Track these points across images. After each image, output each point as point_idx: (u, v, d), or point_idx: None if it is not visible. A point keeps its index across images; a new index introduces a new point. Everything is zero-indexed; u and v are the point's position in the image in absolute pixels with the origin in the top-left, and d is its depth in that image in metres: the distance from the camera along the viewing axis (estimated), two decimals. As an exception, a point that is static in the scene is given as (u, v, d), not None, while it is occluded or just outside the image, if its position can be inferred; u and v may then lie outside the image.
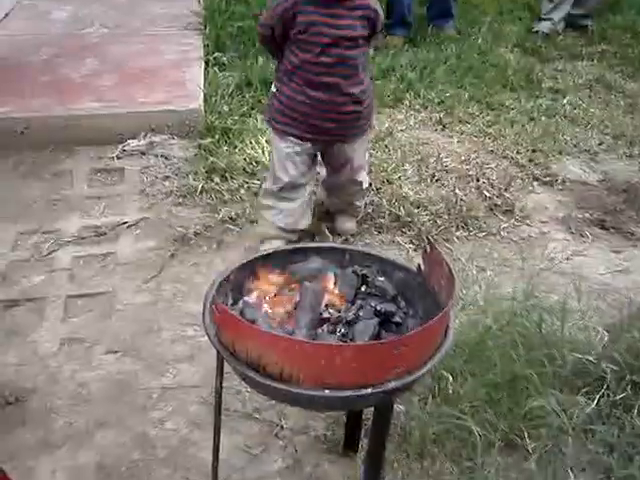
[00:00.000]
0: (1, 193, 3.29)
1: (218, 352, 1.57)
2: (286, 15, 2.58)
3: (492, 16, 5.63)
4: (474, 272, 2.83)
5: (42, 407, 2.21)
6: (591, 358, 2.29)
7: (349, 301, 1.67)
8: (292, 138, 2.73)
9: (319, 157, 2.90)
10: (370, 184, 3.14)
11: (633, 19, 5.79)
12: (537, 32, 5.41)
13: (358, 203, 3.04)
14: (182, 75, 4.09)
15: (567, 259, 3.01)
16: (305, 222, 2.90)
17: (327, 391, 1.43)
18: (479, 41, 5.07)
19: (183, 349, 2.45)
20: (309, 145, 2.75)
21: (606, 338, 2.45)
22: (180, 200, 3.24)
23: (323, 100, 2.66)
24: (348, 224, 3.06)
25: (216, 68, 4.30)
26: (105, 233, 3.03)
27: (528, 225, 3.21)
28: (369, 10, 2.63)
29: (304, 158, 2.78)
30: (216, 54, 4.43)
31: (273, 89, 2.79)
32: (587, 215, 3.33)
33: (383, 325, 1.62)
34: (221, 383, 1.68)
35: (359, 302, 1.65)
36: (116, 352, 2.43)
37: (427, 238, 1.97)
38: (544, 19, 5.47)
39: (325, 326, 1.59)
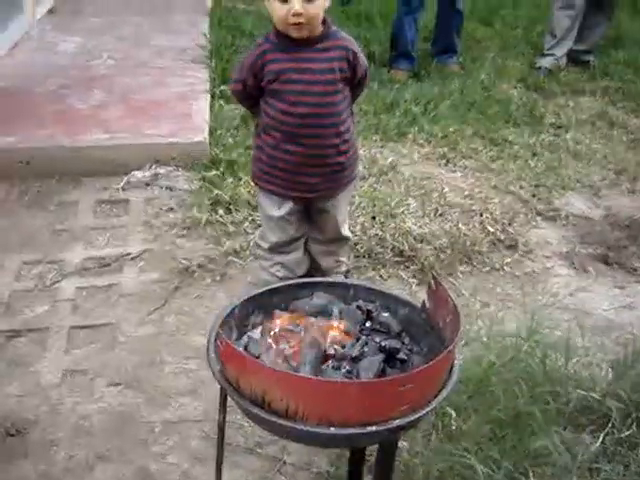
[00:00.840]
0: (6, 223, 3.30)
1: (222, 387, 1.56)
2: (255, 65, 2.41)
3: (495, 52, 5.68)
4: (477, 307, 2.83)
5: (43, 439, 2.20)
6: (596, 395, 2.28)
7: (354, 337, 1.67)
8: (275, 197, 2.55)
9: None
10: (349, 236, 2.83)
11: (635, 55, 5.84)
12: (540, 68, 5.45)
13: (343, 259, 2.79)
14: (188, 108, 4.12)
15: (571, 295, 3.01)
16: (303, 268, 2.73)
17: (332, 428, 1.43)
18: (482, 76, 5.11)
19: (185, 382, 2.44)
20: (292, 204, 2.55)
21: (611, 375, 2.44)
22: (184, 232, 3.25)
23: (303, 154, 2.46)
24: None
25: (222, 101, 4.34)
26: (109, 264, 3.04)
27: (531, 260, 3.22)
28: (345, 51, 2.42)
29: (292, 218, 2.59)
30: (222, 87, 4.47)
31: (253, 146, 2.64)
32: (590, 250, 3.33)
33: (388, 362, 1.61)
34: (224, 418, 1.68)
35: (364, 338, 1.65)
36: (118, 384, 2.42)
37: (432, 274, 1.96)
38: (547, 55, 5.52)
39: (330, 362, 1.58)
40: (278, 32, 2.38)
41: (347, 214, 2.77)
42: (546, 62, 5.47)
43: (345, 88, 2.47)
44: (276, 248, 2.64)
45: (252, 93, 2.49)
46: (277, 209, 2.56)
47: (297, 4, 2.25)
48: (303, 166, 2.48)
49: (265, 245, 2.66)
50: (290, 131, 2.44)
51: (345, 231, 2.72)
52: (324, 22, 2.39)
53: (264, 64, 2.39)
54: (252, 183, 2.79)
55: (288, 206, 2.55)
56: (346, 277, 2.19)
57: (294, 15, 2.26)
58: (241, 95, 2.55)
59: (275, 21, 2.34)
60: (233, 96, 2.70)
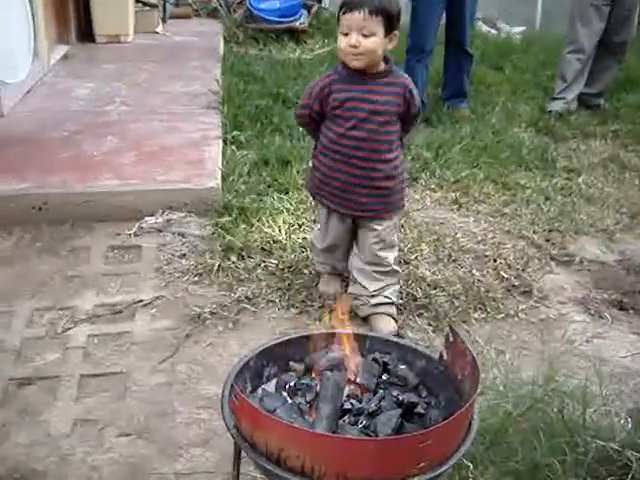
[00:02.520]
0: (18, 268, 3.30)
1: (236, 443, 1.54)
2: (323, 92, 2.74)
3: (506, 96, 5.71)
4: (493, 355, 2.79)
5: (53, 492, 2.17)
6: (615, 446, 2.23)
7: (370, 391, 1.64)
8: (324, 210, 2.93)
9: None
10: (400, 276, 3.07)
11: (646, 98, 5.86)
12: (550, 112, 5.47)
13: (393, 297, 2.94)
14: (201, 153, 4.14)
15: (587, 341, 2.97)
16: (343, 266, 3.09)
17: (349, 486, 1.40)
18: (493, 121, 5.13)
19: (197, 433, 2.40)
20: (337, 217, 2.91)
21: (630, 424, 2.39)
22: (196, 279, 3.23)
23: (356, 175, 2.78)
24: (382, 325, 2.91)
25: (234, 147, 4.36)
26: (121, 311, 3.02)
27: (546, 306, 3.18)
28: (404, 88, 2.74)
29: (334, 228, 2.95)
30: (234, 133, 4.50)
31: (310, 164, 2.97)
32: (605, 296, 3.30)
33: (405, 416, 1.58)
34: (238, 473, 1.65)
35: (381, 392, 1.62)
36: (129, 435, 2.39)
37: (449, 325, 1.94)
38: (557, 98, 5.54)
39: (347, 417, 1.56)
40: (345, 66, 2.71)
41: (394, 243, 2.96)
42: (557, 106, 5.49)
43: (398, 122, 2.78)
44: (326, 250, 3.04)
45: (315, 118, 2.83)
46: (326, 219, 2.95)
47: (354, 38, 2.60)
48: (354, 186, 2.81)
49: (318, 246, 3.07)
50: (345, 152, 2.77)
51: (387, 255, 2.92)
52: (387, 61, 2.72)
53: (331, 92, 2.74)
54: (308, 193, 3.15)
55: (337, 220, 2.92)
56: (399, 335, 2.21)
57: (351, 46, 2.61)
58: (306, 119, 2.88)
59: (339, 52, 2.70)
60: (297, 120, 3.02)
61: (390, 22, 2.63)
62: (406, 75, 2.81)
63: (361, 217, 2.89)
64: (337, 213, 2.90)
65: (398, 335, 2.82)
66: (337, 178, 2.82)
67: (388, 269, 2.94)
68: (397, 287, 3.02)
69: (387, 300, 2.94)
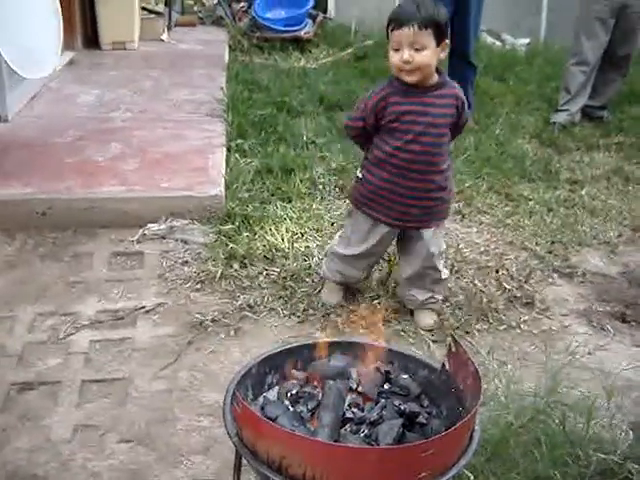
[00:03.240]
0: (20, 274, 3.30)
1: (237, 450, 1.54)
2: (379, 106, 2.73)
3: (510, 107, 5.72)
4: (495, 366, 2.78)
5: (53, 498, 2.16)
6: (616, 458, 2.22)
7: (372, 400, 1.64)
8: (371, 221, 2.90)
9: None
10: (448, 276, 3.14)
11: (649, 110, 5.87)
12: (554, 123, 5.48)
13: (438, 296, 3.04)
14: (204, 161, 4.15)
15: (589, 353, 2.96)
16: (360, 282, 3.15)
17: (350, 495, 1.40)
18: (497, 132, 5.14)
19: (198, 440, 2.40)
20: (385, 229, 2.89)
21: (631, 437, 2.38)
22: (199, 286, 3.23)
23: (412, 187, 2.78)
24: (429, 319, 3.03)
25: (238, 155, 4.37)
26: (123, 317, 3.02)
27: (549, 318, 3.18)
28: (457, 99, 2.76)
29: (377, 238, 2.93)
30: (238, 141, 4.50)
31: (359, 175, 2.92)
32: (608, 308, 3.30)
33: (407, 426, 1.58)
34: (239, 481, 1.65)
35: (382, 401, 1.62)
36: (130, 441, 2.38)
37: (452, 336, 1.94)
38: (561, 110, 5.55)
39: (348, 426, 1.56)
40: (398, 79, 2.70)
41: (442, 251, 3.01)
42: (560, 118, 5.50)
43: (449, 131, 2.80)
44: (357, 257, 2.98)
45: (369, 131, 2.81)
46: (371, 231, 2.91)
47: (406, 53, 2.59)
48: (408, 198, 2.80)
49: (343, 252, 3.01)
50: (402, 165, 2.76)
51: (438, 264, 2.97)
52: (439, 73, 2.73)
53: (386, 106, 2.72)
54: (351, 203, 3.04)
55: (381, 231, 2.90)
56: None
57: (404, 62, 2.60)
58: (359, 131, 2.86)
59: (393, 69, 2.69)
60: (347, 131, 2.98)
61: (440, 31, 2.62)
62: (457, 85, 2.81)
63: (410, 227, 2.90)
64: (385, 224, 2.88)
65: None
66: (393, 190, 2.81)
67: (438, 277, 3.00)
68: (445, 284, 3.10)
69: (434, 300, 3.04)
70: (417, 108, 2.71)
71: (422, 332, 2.98)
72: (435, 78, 2.73)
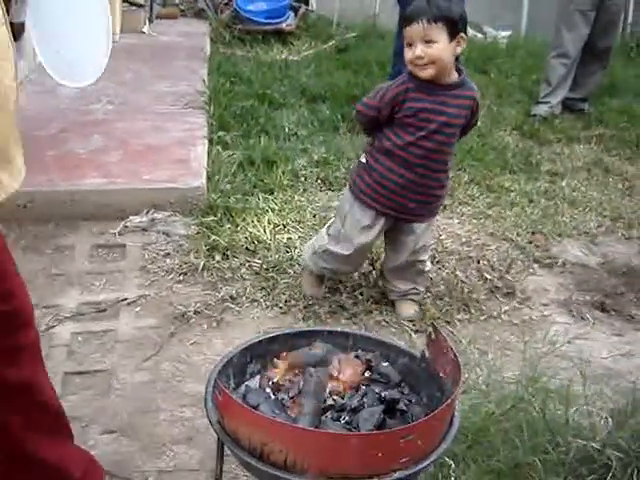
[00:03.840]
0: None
1: (219, 438, 1.55)
2: (397, 99, 2.71)
3: (491, 100, 5.73)
4: (476, 355, 2.81)
5: (36, 489, 2.16)
6: (596, 445, 2.24)
7: (353, 387, 1.66)
8: (372, 212, 2.87)
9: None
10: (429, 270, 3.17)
11: (629, 103, 5.91)
12: (535, 115, 5.50)
13: (420, 288, 3.07)
14: (186, 153, 4.14)
15: (569, 342, 2.99)
16: (351, 270, 3.14)
17: (332, 481, 1.41)
18: (478, 124, 5.13)
19: (181, 431, 2.40)
20: (383, 220, 2.88)
21: (610, 424, 2.41)
22: (181, 278, 3.23)
23: (416, 182, 2.79)
24: (410, 310, 3.05)
25: (219, 147, 4.36)
26: (105, 310, 3.02)
27: (529, 308, 3.21)
28: (473, 101, 2.76)
29: (376, 230, 2.91)
30: (220, 133, 4.50)
31: (363, 160, 2.90)
32: (588, 298, 3.33)
33: (387, 412, 1.59)
34: (221, 470, 1.65)
35: (363, 388, 1.64)
36: (113, 432, 2.38)
37: (432, 324, 1.96)
38: (542, 102, 5.58)
39: (329, 413, 1.57)
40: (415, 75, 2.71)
41: (430, 244, 3.07)
42: (541, 110, 5.53)
43: (458, 132, 2.82)
44: (351, 255, 2.94)
45: (382, 121, 2.78)
46: (370, 221, 2.88)
47: (418, 49, 2.60)
48: (409, 192, 2.81)
49: (337, 250, 2.95)
50: (411, 160, 2.76)
51: (423, 257, 3.00)
52: (459, 72, 2.73)
53: (405, 100, 2.70)
54: (350, 193, 2.96)
55: (380, 223, 2.88)
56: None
57: (416, 57, 2.61)
58: (370, 119, 2.83)
59: (408, 65, 2.69)
60: (358, 117, 2.95)
61: (453, 26, 2.61)
62: (475, 86, 2.81)
63: (404, 220, 2.91)
64: (382, 215, 2.88)
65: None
66: (396, 182, 2.79)
67: (422, 269, 3.03)
68: (426, 281, 3.14)
69: (415, 291, 3.06)
70: (434, 107, 2.70)
71: (404, 322, 3.00)
72: (454, 77, 2.72)
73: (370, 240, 2.93)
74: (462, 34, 2.64)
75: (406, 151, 2.76)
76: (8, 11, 1.74)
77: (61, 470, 1.90)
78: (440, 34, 2.59)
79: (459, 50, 2.65)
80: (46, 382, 1.89)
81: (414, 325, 2.99)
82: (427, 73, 2.65)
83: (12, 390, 1.75)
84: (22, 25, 1.96)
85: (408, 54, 2.65)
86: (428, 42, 2.59)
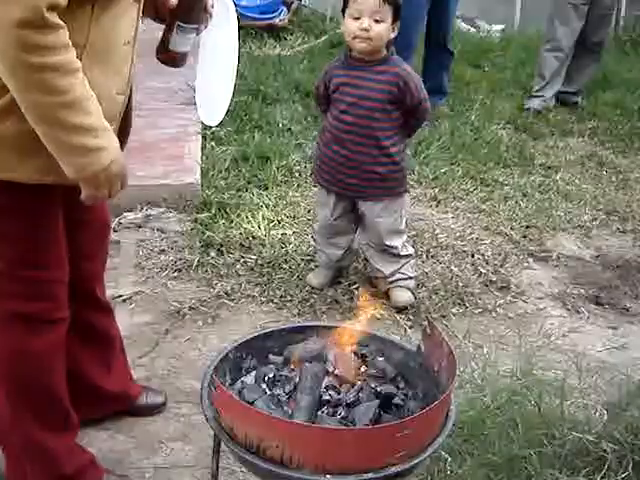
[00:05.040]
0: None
1: (215, 434, 1.55)
2: (327, 75, 2.92)
3: (484, 94, 5.73)
4: (471, 349, 2.82)
5: (32, 486, 2.16)
6: (591, 437, 2.25)
7: (349, 382, 1.66)
8: (322, 189, 3.05)
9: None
10: (413, 252, 3.18)
11: (622, 96, 5.91)
12: (529, 109, 5.50)
13: (407, 272, 3.07)
14: (180, 149, 4.13)
15: (564, 336, 3.00)
16: (344, 264, 3.20)
17: (328, 476, 1.41)
18: (472, 118, 5.16)
19: (177, 427, 2.41)
20: (334, 197, 3.00)
21: (605, 417, 2.42)
22: (175, 274, 3.23)
23: (348, 157, 2.90)
24: (404, 296, 3.06)
25: (213, 143, 4.35)
26: (100, 306, 3.01)
27: (524, 301, 3.22)
28: (397, 77, 2.81)
29: (336, 212, 3.03)
30: (213, 129, 4.49)
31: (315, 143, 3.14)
32: (582, 291, 3.34)
33: (383, 407, 1.60)
34: (217, 465, 1.65)
35: (359, 383, 1.64)
36: (108, 429, 2.39)
37: (427, 318, 1.97)
38: (535, 96, 5.58)
39: (325, 408, 1.57)
40: (348, 53, 2.87)
41: (400, 229, 3.05)
42: (535, 103, 5.53)
43: (395, 111, 2.86)
44: (323, 235, 3.11)
45: (323, 99, 2.99)
46: (325, 201, 3.04)
47: (366, 22, 2.72)
48: (344, 167, 2.92)
49: (316, 231, 3.18)
50: (338, 135, 2.90)
51: (391, 241, 3.02)
52: (389, 52, 2.85)
53: (332, 76, 2.90)
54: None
55: (332, 200, 3.00)
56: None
57: (362, 29, 2.72)
58: (316, 97, 3.10)
59: (345, 36, 2.83)
60: (314, 98, 3.23)
61: (397, 12, 2.78)
62: (407, 67, 2.89)
63: (351, 197, 2.99)
64: (334, 194, 2.99)
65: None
66: (332, 158, 2.94)
67: (395, 252, 3.03)
68: (413, 262, 3.13)
69: (403, 276, 3.06)
70: (352, 81, 2.85)
71: (399, 318, 3.00)
72: (382, 54, 2.84)
73: (327, 215, 3.04)
74: (397, 22, 2.81)
75: (335, 126, 2.91)
76: (165, 39, 1.97)
77: (55, 460, 2.00)
78: (387, 15, 2.74)
79: (392, 36, 2.81)
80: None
81: (408, 319, 2.99)
82: (364, 47, 2.78)
83: None
84: (183, 55, 2.03)
85: (353, 25, 2.75)
86: (376, 20, 2.72)
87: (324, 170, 3.01)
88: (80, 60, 1.58)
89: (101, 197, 1.73)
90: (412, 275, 3.10)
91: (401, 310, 3.04)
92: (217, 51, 2.28)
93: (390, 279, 3.07)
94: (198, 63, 2.36)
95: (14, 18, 1.41)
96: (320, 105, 3.08)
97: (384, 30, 2.75)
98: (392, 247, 3.02)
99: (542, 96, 5.56)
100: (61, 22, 1.49)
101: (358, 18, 2.74)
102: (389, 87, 2.81)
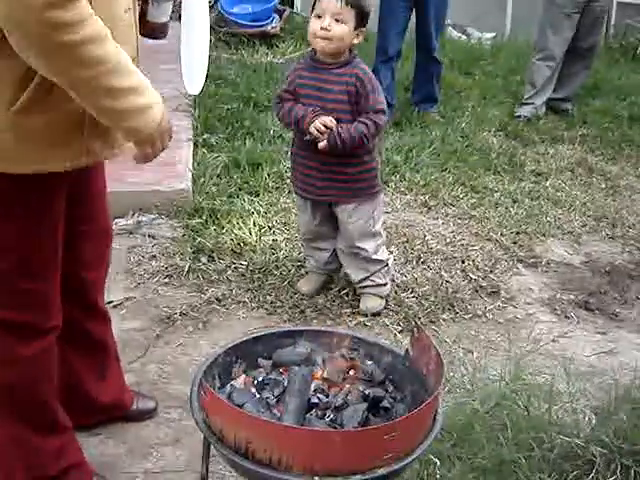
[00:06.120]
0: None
1: (205, 437, 1.55)
2: (293, 81, 2.90)
3: (475, 101, 5.76)
4: (460, 354, 2.83)
5: (22, 491, 2.16)
6: (579, 441, 2.27)
7: (337, 386, 1.67)
8: (298, 196, 3.07)
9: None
10: (388, 259, 3.14)
11: (612, 103, 5.96)
12: (519, 116, 5.53)
13: (378, 280, 3.05)
14: (171, 156, 4.13)
15: (553, 341, 3.02)
16: (331, 268, 3.17)
17: (316, 478, 1.42)
18: (463, 125, 5.19)
19: (167, 432, 2.41)
20: (310, 203, 3.01)
21: (594, 421, 2.43)
22: (166, 280, 3.24)
23: (312, 158, 2.90)
24: (369, 303, 3.06)
25: (205, 149, 4.36)
26: (91, 312, 3.01)
27: (514, 307, 3.23)
28: (355, 78, 2.81)
29: (316, 219, 3.03)
30: (205, 135, 4.50)
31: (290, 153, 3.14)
32: (572, 297, 3.36)
33: (371, 410, 1.61)
34: (207, 469, 1.66)
35: (347, 387, 1.65)
36: (99, 434, 2.39)
37: (415, 322, 1.98)
38: (526, 104, 5.61)
39: (314, 411, 1.58)
40: (312, 56, 2.88)
41: (372, 231, 3.01)
42: (525, 111, 5.55)
43: (357, 113, 2.83)
44: (308, 240, 3.13)
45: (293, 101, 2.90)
46: (304, 208, 3.05)
47: (326, 21, 2.73)
48: (313, 170, 2.92)
49: (300, 236, 3.22)
50: (306, 139, 2.86)
51: (363, 244, 2.99)
52: (352, 55, 2.86)
53: (294, 79, 2.90)
54: None
55: (309, 207, 3.01)
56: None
57: (322, 29, 2.73)
58: (278, 104, 2.96)
59: (309, 36, 2.85)
60: (275, 102, 3.07)
61: (361, 18, 2.78)
62: (365, 68, 2.88)
63: (323, 201, 2.98)
64: (310, 201, 3.00)
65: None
66: (298, 161, 2.98)
67: (367, 256, 3.01)
68: (385, 269, 3.09)
69: (373, 283, 3.05)
70: (313, 83, 2.85)
71: (388, 322, 3.01)
72: (344, 57, 2.84)
73: (306, 220, 3.06)
74: (363, 29, 2.82)
75: (299, 130, 2.88)
76: (144, 11, 1.93)
77: (41, 461, 2.00)
78: (350, 18, 2.75)
79: (356, 42, 2.83)
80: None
81: (398, 324, 3.00)
82: (324, 46, 2.79)
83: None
84: (162, 26, 2.04)
85: (315, 24, 2.77)
86: (337, 21, 2.73)
87: (298, 178, 3.02)
88: None
89: (154, 154, 1.75)
90: (384, 282, 3.08)
91: (375, 315, 3.05)
92: (193, 18, 2.26)
93: (360, 285, 3.07)
94: (182, 35, 2.33)
95: (38, 3, 1.40)
96: (282, 109, 2.92)
97: (344, 32, 2.75)
98: (363, 249, 2.99)
99: (532, 103, 5.59)
100: None
101: (321, 17, 2.76)
102: (347, 87, 2.81)
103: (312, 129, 2.78)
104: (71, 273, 1.94)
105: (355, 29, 2.78)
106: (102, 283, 2.22)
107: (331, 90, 2.83)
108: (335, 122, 2.78)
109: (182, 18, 2.27)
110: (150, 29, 1.98)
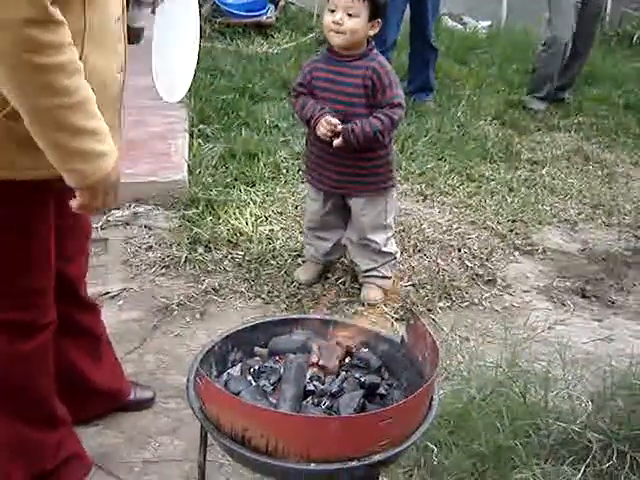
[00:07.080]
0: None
1: (202, 426, 1.56)
2: (310, 73, 2.91)
3: (471, 90, 5.76)
4: (457, 342, 2.84)
5: (21, 482, 2.17)
6: (576, 427, 2.28)
7: (333, 373, 1.67)
8: (312, 187, 3.07)
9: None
10: (397, 252, 3.16)
11: (608, 91, 5.96)
12: (531, 109, 5.49)
13: (383, 271, 3.07)
14: (167, 147, 4.14)
15: (549, 328, 3.03)
16: (331, 258, 3.19)
17: (312, 465, 1.43)
18: (459, 114, 5.19)
19: (165, 422, 2.42)
20: (323, 194, 3.02)
21: (590, 407, 2.44)
22: (163, 271, 3.24)
23: (329, 152, 2.89)
24: (372, 294, 3.07)
25: (200, 140, 4.36)
26: (88, 303, 3.02)
27: (510, 295, 3.24)
28: (371, 71, 2.81)
29: (320, 202, 3.04)
30: (201, 126, 4.50)
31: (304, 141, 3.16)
32: (568, 284, 3.37)
33: (368, 397, 1.61)
34: (204, 457, 1.67)
35: (343, 374, 1.65)
36: (97, 424, 2.39)
37: (411, 310, 1.99)
38: (539, 98, 5.53)
39: (310, 398, 1.59)
40: (329, 47, 2.88)
41: (384, 224, 3.03)
42: (539, 105, 5.49)
43: (373, 106, 2.83)
44: (312, 229, 3.13)
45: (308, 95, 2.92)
46: (316, 197, 3.05)
47: (339, 14, 2.75)
48: (328, 163, 2.94)
49: (305, 224, 3.19)
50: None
51: (374, 236, 3.01)
52: (369, 48, 2.85)
53: (311, 71, 2.91)
54: None
55: (322, 197, 3.02)
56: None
57: (334, 23, 2.75)
58: (299, 95, 2.95)
59: (324, 30, 2.87)
60: (293, 95, 3.08)
61: (375, 9, 2.77)
62: (383, 61, 2.86)
63: (335, 193, 3.00)
64: (323, 192, 3.00)
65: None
66: (316, 154, 2.97)
67: (377, 248, 3.03)
68: (392, 262, 3.11)
69: (379, 274, 3.06)
70: (331, 76, 2.86)
71: (386, 311, 3.02)
72: (361, 49, 2.84)
73: (315, 209, 3.07)
74: (379, 19, 2.80)
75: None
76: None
77: (39, 455, 2.01)
78: (362, 10, 2.75)
79: (372, 33, 2.81)
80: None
81: (395, 312, 3.00)
82: (339, 40, 2.80)
83: None
84: (140, 30, 2.03)
85: (328, 18, 2.79)
86: (350, 15, 2.74)
87: (312, 169, 3.02)
88: (83, 46, 1.53)
89: (94, 206, 1.65)
90: (389, 275, 3.10)
91: (372, 305, 3.05)
92: (177, 25, 2.23)
93: (365, 274, 3.08)
94: (153, 39, 2.29)
95: (19, 17, 1.34)
96: (298, 103, 2.94)
97: (358, 25, 2.75)
98: (373, 241, 3.02)
99: (547, 98, 5.54)
100: (62, 17, 1.42)
101: (334, 11, 2.76)
102: (363, 80, 2.80)
103: (320, 134, 2.81)
104: (55, 267, 1.93)
105: (370, 20, 2.77)
106: (84, 275, 2.22)
107: (347, 83, 2.83)
108: (340, 123, 2.79)
109: (156, 21, 2.22)
110: (127, 34, 1.96)
